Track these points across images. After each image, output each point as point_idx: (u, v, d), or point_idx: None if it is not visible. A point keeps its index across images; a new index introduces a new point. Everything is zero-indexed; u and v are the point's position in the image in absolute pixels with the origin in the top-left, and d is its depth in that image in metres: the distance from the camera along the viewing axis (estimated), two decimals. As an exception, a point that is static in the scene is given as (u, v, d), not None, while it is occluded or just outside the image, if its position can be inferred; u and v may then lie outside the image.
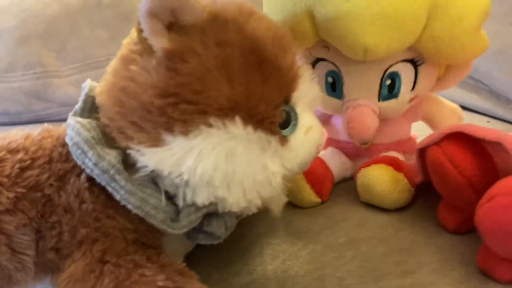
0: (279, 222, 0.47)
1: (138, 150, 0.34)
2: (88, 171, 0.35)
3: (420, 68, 0.45)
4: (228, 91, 0.33)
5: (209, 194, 0.34)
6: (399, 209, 0.46)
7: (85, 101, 0.38)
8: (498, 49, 0.50)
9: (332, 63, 0.45)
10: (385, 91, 0.45)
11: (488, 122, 0.66)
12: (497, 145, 0.35)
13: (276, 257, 0.42)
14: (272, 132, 0.35)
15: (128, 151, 0.34)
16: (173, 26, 0.33)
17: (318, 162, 0.49)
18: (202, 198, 0.34)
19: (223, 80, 0.33)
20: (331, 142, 0.53)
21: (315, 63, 0.46)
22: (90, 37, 1.01)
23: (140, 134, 0.33)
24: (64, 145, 0.38)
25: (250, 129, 0.34)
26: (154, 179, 0.35)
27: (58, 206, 0.36)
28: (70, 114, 0.38)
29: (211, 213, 0.37)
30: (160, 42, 0.33)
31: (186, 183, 0.33)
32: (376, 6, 0.38)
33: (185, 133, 0.32)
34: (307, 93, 0.38)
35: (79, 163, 0.35)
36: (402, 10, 0.38)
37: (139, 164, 0.34)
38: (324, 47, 0.44)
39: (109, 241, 0.36)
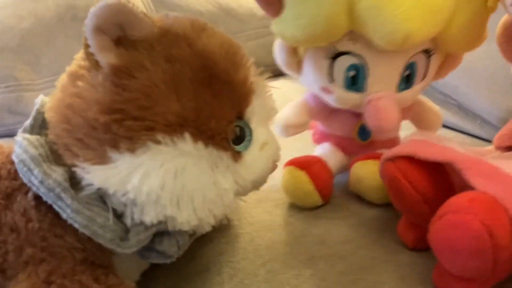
0: (240, 239, 0.47)
1: (84, 168, 0.33)
2: (34, 189, 0.34)
3: (431, 58, 0.46)
4: (176, 107, 0.32)
5: (158, 212, 0.33)
6: (362, 224, 0.45)
7: (35, 118, 0.37)
8: (466, 65, 0.50)
9: (358, 55, 0.44)
10: (403, 82, 0.45)
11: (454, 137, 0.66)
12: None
13: (235, 275, 0.41)
14: (224, 148, 0.34)
15: (74, 169, 0.33)
16: (121, 40, 0.33)
17: (321, 166, 0.50)
18: (150, 217, 0.33)
19: (171, 95, 0.32)
20: (329, 137, 0.53)
21: (335, 57, 0.45)
22: (65, 50, 1.00)
23: (85, 151, 0.33)
24: (13, 162, 0.37)
25: (200, 145, 0.33)
26: (102, 197, 0.34)
27: (4, 225, 0.35)
28: (20, 130, 0.37)
29: (163, 232, 0.36)
30: (106, 58, 0.32)
31: (133, 202, 0.33)
32: None
33: (132, 150, 0.32)
34: (262, 108, 0.37)
35: (25, 180, 0.34)
36: None
37: (84, 182, 0.33)
38: (350, 39, 0.43)
39: (56, 261, 0.35)
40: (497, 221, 0.30)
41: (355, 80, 0.45)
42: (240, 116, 0.36)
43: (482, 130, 0.63)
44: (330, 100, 0.48)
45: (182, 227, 0.34)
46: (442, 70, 0.49)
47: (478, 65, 0.60)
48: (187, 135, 0.32)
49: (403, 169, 0.37)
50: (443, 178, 0.37)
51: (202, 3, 1.07)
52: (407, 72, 0.45)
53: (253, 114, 0.37)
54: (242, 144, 0.36)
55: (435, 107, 0.53)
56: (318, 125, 0.55)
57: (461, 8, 0.41)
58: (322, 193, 0.49)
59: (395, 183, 0.37)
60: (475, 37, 0.44)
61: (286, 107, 0.52)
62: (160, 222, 0.34)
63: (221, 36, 0.37)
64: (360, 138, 0.51)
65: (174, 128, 0.32)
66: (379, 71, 0.44)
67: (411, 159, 0.37)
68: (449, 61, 0.49)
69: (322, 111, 0.51)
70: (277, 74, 1.05)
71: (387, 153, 0.40)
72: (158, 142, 0.32)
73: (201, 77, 0.33)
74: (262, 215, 0.50)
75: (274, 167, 0.39)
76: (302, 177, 0.48)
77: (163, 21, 0.35)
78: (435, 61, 0.47)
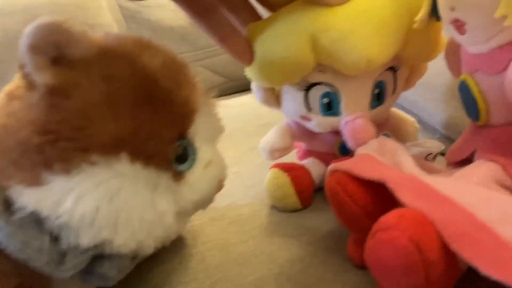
0: (192, 258, 0.46)
1: (17, 190, 0.32)
2: (-33, 212, 0.33)
3: (398, 73, 0.48)
4: (113, 127, 0.32)
5: (93, 236, 0.32)
6: (314, 242, 0.45)
7: None
8: (423, 80, 0.51)
9: (329, 84, 0.46)
10: (374, 100, 0.48)
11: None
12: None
13: (183, 296, 0.41)
14: (164, 168, 0.34)
15: (8, 191, 0.33)
16: (58, 60, 0.32)
17: (304, 172, 0.53)
18: (86, 241, 0.32)
19: (108, 115, 0.32)
20: (312, 153, 0.56)
21: (309, 88, 0.47)
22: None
23: (19, 173, 0.32)
24: None
25: (138, 166, 0.33)
26: (38, 220, 0.33)
27: None
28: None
29: (103, 254, 0.35)
30: (42, 77, 0.31)
31: (67, 225, 0.32)
32: (375, 19, 0.41)
33: (66, 171, 0.31)
34: (207, 127, 0.37)
35: None
36: (393, 18, 0.42)
37: (18, 205, 0.32)
38: (320, 71, 0.46)
39: (-10, 287, 0.34)
40: (426, 236, 0.30)
41: (330, 106, 0.47)
42: (182, 135, 0.35)
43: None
44: (311, 126, 0.50)
45: (120, 250, 0.34)
46: (410, 80, 0.52)
47: (435, 80, 0.61)
48: (123, 156, 0.32)
49: (343, 183, 0.37)
50: (385, 193, 0.37)
51: (172, 18, 1.07)
52: (376, 91, 0.47)
53: (197, 133, 0.36)
54: (185, 164, 0.36)
55: (410, 118, 0.56)
56: (301, 144, 0.58)
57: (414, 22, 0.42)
58: (301, 196, 0.51)
59: (335, 197, 0.37)
60: (432, 49, 0.46)
61: (270, 132, 0.55)
62: (96, 245, 0.33)
63: (165, 54, 0.36)
64: (340, 153, 0.53)
65: (110, 148, 0.32)
66: (350, 95, 0.46)
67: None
68: (415, 71, 0.51)
69: (304, 133, 0.53)
70: (248, 88, 1.06)
71: (331, 166, 0.40)
72: (93, 163, 0.31)
73: (140, 96, 0.33)
74: (216, 234, 0.49)
75: (220, 187, 0.39)
76: (284, 178, 0.51)
77: (103, 40, 0.34)
78: (401, 75, 0.49)
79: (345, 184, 0.37)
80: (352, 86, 0.46)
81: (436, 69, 0.50)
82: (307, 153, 0.56)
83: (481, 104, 0.39)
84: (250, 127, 0.80)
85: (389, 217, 0.31)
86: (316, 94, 0.47)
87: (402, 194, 0.34)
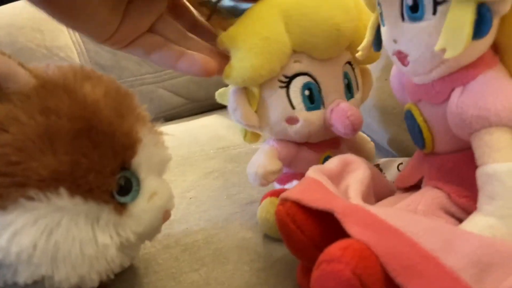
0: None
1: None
2: None
3: (355, 71, 0.51)
4: (51, 160, 0.31)
5: (32, 272, 0.32)
6: (266, 268, 0.45)
7: None
8: (376, 103, 0.52)
9: (306, 73, 0.47)
10: (346, 91, 0.50)
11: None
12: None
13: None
14: (105, 201, 0.33)
15: None
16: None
17: None
18: (24, 278, 0.32)
19: (46, 149, 0.31)
20: (296, 176, 0.54)
21: (289, 83, 0.48)
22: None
23: (-46, 209, 0.31)
24: None
25: (78, 200, 0.32)
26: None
27: None
28: None
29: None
30: (-22, 111, 0.31)
31: (4, 262, 0.31)
32: None
33: (2, 207, 0.30)
34: (151, 157, 0.37)
35: None
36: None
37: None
38: (295, 62, 0.47)
39: None
40: (369, 270, 0.30)
41: (312, 98, 0.48)
42: (125, 167, 0.35)
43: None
44: (297, 129, 0.49)
45: (61, 285, 0.33)
46: (363, 88, 0.53)
47: (387, 103, 0.62)
48: (62, 190, 0.31)
49: (292, 214, 0.37)
50: (333, 222, 0.37)
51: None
52: (346, 81, 0.50)
53: (141, 164, 0.36)
54: (128, 196, 0.35)
55: (365, 136, 0.58)
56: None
57: (361, 16, 0.47)
58: None
59: (284, 228, 0.37)
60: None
61: (256, 156, 0.53)
62: (36, 282, 0.32)
63: (108, 84, 0.36)
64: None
65: (48, 183, 0.31)
66: (327, 82, 0.48)
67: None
68: (363, 78, 0.53)
69: (287, 154, 0.53)
70: (210, 109, 1.06)
71: (282, 194, 0.40)
72: (30, 199, 0.31)
73: (80, 129, 0.32)
74: (169, 262, 0.49)
75: (166, 217, 0.38)
76: None
77: (42, 72, 0.34)
78: (358, 75, 0.52)
79: (294, 215, 0.37)
80: (328, 72, 0.48)
81: (389, 92, 0.50)
82: (290, 176, 0.55)
83: (426, 133, 0.40)
84: (210, 150, 0.80)
85: (334, 249, 0.31)
86: (296, 87, 0.48)
87: (349, 225, 0.34)
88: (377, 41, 0.41)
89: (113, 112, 0.34)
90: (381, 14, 0.38)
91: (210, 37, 0.46)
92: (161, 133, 0.38)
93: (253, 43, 0.45)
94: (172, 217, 0.41)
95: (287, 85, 0.48)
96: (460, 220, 0.37)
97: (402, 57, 0.37)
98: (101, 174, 0.33)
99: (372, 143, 0.58)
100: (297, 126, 0.49)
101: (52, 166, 0.31)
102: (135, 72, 1.06)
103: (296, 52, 0.47)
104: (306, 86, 0.48)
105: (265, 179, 0.51)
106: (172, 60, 0.43)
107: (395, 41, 0.37)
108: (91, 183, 0.32)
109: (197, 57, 0.43)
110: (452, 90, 0.36)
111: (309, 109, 0.48)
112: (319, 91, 0.48)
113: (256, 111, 0.50)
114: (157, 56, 0.43)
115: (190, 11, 0.47)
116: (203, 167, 0.72)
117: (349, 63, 0.50)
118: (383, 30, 0.38)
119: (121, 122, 0.34)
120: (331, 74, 0.48)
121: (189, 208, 0.58)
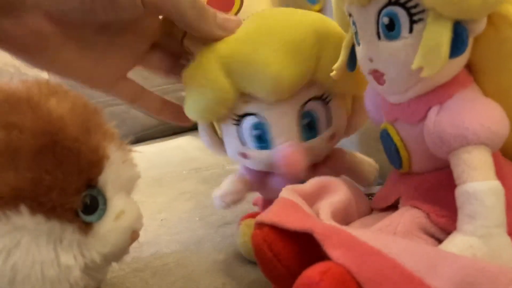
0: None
1: None
2: None
3: (330, 105, 0.48)
4: (11, 177, 0.29)
5: None
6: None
7: None
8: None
9: (255, 114, 0.46)
10: (305, 131, 0.47)
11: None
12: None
13: None
14: (69, 220, 0.32)
15: None
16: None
17: None
18: None
19: (6, 165, 0.30)
20: (271, 202, 0.51)
21: (239, 122, 0.47)
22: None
23: None
24: None
25: (40, 218, 0.30)
26: None
27: None
28: None
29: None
30: None
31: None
32: (278, 38, 0.42)
33: (-42, 226, 0.28)
34: (119, 175, 0.35)
35: None
36: (296, 37, 0.43)
37: None
38: (244, 102, 0.46)
39: None
40: (349, 295, 0.29)
41: (262, 138, 0.47)
42: (91, 184, 0.33)
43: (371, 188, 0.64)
44: (250, 164, 0.50)
45: (20, 310, 0.31)
46: (350, 122, 0.51)
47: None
48: (23, 208, 0.30)
49: (269, 241, 0.35)
50: (311, 243, 0.35)
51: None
52: (305, 121, 0.47)
53: (108, 182, 0.34)
54: (94, 215, 0.33)
55: (367, 158, 0.56)
56: (259, 196, 0.56)
57: (325, 47, 0.44)
58: None
59: (261, 255, 0.36)
60: (356, 79, 0.45)
61: (223, 182, 0.53)
62: (-8, 305, 0.30)
63: (74, 99, 0.35)
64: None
65: (8, 200, 0.29)
66: (277, 123, 0.46)
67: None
68: (354, 112, 0.51)
69: (256, 180, 0.52)
70: (183, 130, 1.04)
71: (258, 217, 0.38)
72: (-13, 217, 0.29)
73: (43, 145, 0.31)
74: (139, 286, 0.47)
75: (134, 237, 0.36)
76: None
77: (5, 86, 0.32)
78: (336, 108, 0.49)
79: (271, 241, 0.35)
80: (277, 114, 0.46)
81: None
82: (266, 203, 0.54)
83: (402, 153, 0.39)
84: (182, 171, 0.78)
85: (312, 273, 0.30)
86: (246, 126, 0.47)
87: (329, 247, 0.33)
88: (351, 61, 0.40)
89: (79, 128, 0.33)
90: (356, 33, 0.38)
91: None
92: (130, 151, 0.37)
93: (194, 89, 0.45)
94: (142, 239, 0.40)
95: (238, 123, 0.48)
96: (439, 241, 0.36)
97: (378, 76, 0.36)
98: (65, 192, 0.31)
99: (374, 166, 0.56)
100: (250, 161, 0.49)
101: (12, 183, 0.29)
102: (109, 94, 1.05)
103: (245, 93, 0.46)
104: (255, 126, 0.47)
105: (223, 200, 0.51)
106: (154, 111, 0.50)
107: (371, 60, 0.36)
108: (54, 201, 0.31)
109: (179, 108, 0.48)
110: (429, 109, 0.36)
111: (258, 147, 0.48)
112: (268, 131, 0.47)
113: (222, 138, 0.51)
114: (137, 105, 0.48)
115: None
116: (175, 188, 0.71)
117: (318, 98, 0.47)
118: (358, 49, 0.38)
119: (87, 138, 0.33)
120: (281, 115, 0.46)
121: (160, 230, 0.57)
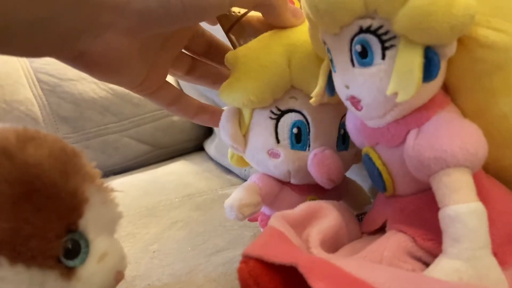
0: None
1: None
2: None
3: None
4: (-11, 228, 0.29)
5: None
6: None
7: None
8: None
9: (299, 112, 0.46)
10: (340, 141, 0.48)
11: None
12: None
13: None
14: (50, 267, 0.31)
15: None
16: None
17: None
18: None
19: (-17, 217, 0.29)
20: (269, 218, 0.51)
21: (280, 117, 0.47)
22: None
23: None
24: None
25: (20, 268, 0.30)
26: None
27: None
28: None
29: None
30: None
31: None
32: None
33: None
34: (100, 217, 0.35)
35: None
36: None
37: None
38: (291, 97, 0.46)
39: None
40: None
41: (299, 138, 0.47)
42: (72, 229, 0.33)
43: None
44: (277, 164, 0.48)
45: None
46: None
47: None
48: (2, 259, 0.29)
49: (255, 275, 0.35)
50: (297, 276, 0.35)
51: (95, 90, 1.06)
52: (342, 131, 0.48)
53: (89, 224, 0.34)
54: (76, 259, 0.33)
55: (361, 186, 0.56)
56: (264, 210, 0.54)
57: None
58: None
59: (246, 289, 0.35)
60: None
61: (235, 191, 0.50)
62: None
63: (53, 144, 0.34)
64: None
65: (-14, 252, 0.29)
66: (319, 126, 0.47)
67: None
68: None
69: (270, 192, 0.51)
70: (176, 155, 1.04)
71: (244, 250, 0.38)
72: (-34, 269, 0.28)
73: (21, 193, 0.30)
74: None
75: (119, 278, 0.36)
76: None
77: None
78: None
79: (257, 276, 0.35)
80: (322, 117, 0.46)
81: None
82: (267, 218, 0.53)
83: (385, 176, 0.39)
84: (175, 198, 0.78)
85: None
86: (286, 123, 0.47)
87: (313, 280, 0.32)
88: (330, 87, 0.40)
89: (57, 173, 0.32)
90: (331, 60, 0.38)
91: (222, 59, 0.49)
92: (111, 190, 0.37)
93: (251, 68, 0.45)
94: (134, 273, 0.40)
95: (278, 118, 0.47)
96: (427, 264, 0.36)
97: (355, 102, 0.36)
98: (45, 239, 0.31)
99: (367, 193, 0.56)
100: (278, 160, 0.48)
101: None
102: (99, 122, 1.05)
103: (295, 88, 0.46)
104: (295, 124, 0.47)
105: (240, 212, 0.48)
106: (190, 115, 0.51)
107: (347, 87, 0.36)
108: (34, 249, 0.30)
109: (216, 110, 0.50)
110: (407, 132, 0.36)
111: (293, 147, 0.47)
112: (308, 132, 0.47)
113: (244, 135, 0.49)
114: (175, 108, 0.50)
115: (206, 33, 0.51)
116: (168, 217, 0.70)
117: None
118: (335, 76, 0.38)
119: (66, 182, 0.33)
120: (325, 119, 0.47)
121: (152, 263, 0.56)
